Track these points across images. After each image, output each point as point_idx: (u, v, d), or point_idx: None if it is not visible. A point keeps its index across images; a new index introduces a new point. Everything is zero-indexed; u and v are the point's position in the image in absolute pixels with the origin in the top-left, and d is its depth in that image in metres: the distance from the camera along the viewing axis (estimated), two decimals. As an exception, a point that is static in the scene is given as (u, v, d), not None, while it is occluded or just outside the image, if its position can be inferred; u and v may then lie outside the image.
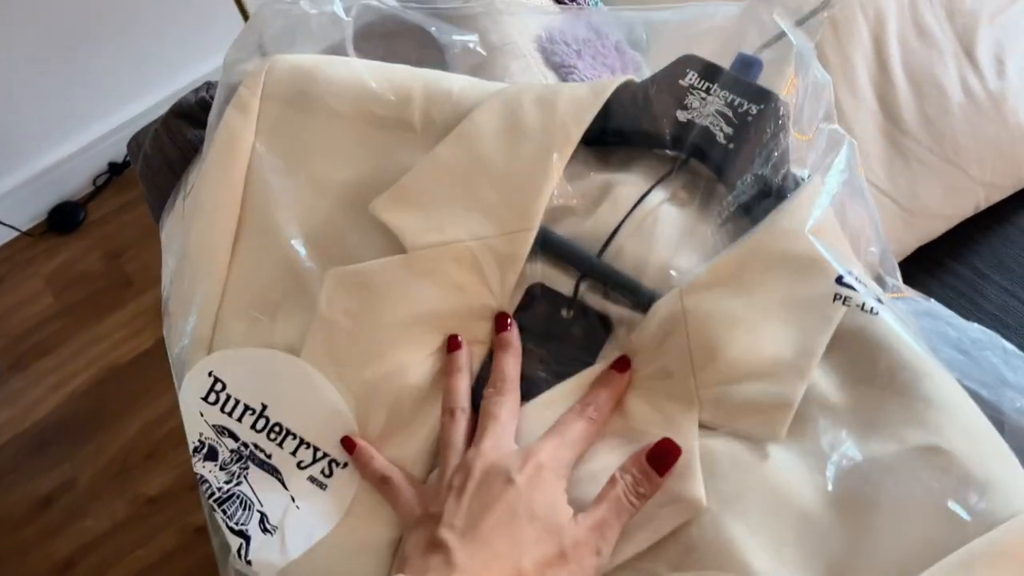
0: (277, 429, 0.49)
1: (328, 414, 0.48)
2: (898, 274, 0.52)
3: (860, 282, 0.44)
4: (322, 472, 0.48)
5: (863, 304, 0.43)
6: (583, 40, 0.67)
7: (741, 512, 0.41)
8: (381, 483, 0.47)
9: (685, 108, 0.51)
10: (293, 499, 0.48)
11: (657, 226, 0.48)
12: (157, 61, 1.64)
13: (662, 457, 0.42)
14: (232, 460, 0.49)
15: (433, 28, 0.56)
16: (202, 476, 0.49)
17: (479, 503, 0.42)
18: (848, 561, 0.38)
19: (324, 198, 0.53)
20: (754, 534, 0.40)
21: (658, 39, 0.60)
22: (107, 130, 1.68)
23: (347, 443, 0.48)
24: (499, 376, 0.47)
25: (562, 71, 0.66)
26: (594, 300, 0.49)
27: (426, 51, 0.58)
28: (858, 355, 0.43)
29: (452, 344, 0.48)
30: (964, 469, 0.38)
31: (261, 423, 0.49)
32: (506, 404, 0.46)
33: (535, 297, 0.49)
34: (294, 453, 0.48)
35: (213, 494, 0.48)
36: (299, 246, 0.52)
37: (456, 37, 0.57)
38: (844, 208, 0.50)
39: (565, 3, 0.73)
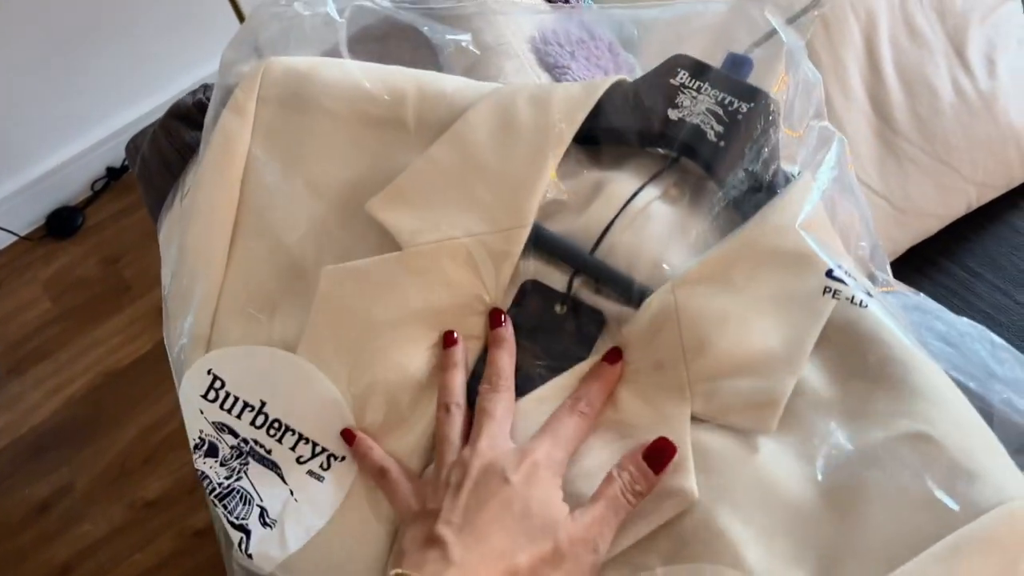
0: (276, 425, 0.49)
1: (326, 410, 0.49)
2: (888, 269, 0.53)
3: (850, 275, 0.45)
4: (320, 466, 0.49)
5: (853, 297, 0.44)
6: (576, 41, 0.68)
7: (733, 504, 0.41)
8: (379, 475, 0.47)
9: (676, 107, 0.51)
10: (292, 493, 0.48)
11: (649, 223, 0.49)
12: (155, 66, 1.63)
13: (658, 455, 0.43)
14: (232, 456, 0.49)
15: (426, 28, 0.57)
16: (203, 472, 0.49)
17: (476, 500, 0.42)
18: (838, 550, 0.39)
19: (320, 198, 0.53)
20: (746, 525, 0.40)
21: (648, 36, 0.61)
22: (105, 135, 1.67)
23: (346, 435, 0.48)
24: (494, 372, 0.47)
25: (556, 72, 0.67)
26: (587, 296, 0.49)
27: (420, 52, 0.58)
28: (848, 348, 0.44)
29: (448, 340, 0.49)
30: (952, 458, 0.39)
31: (260, 419, 0.49)
32: (501, 400, 0.46)
33: (529, 293, 0.50)
34: (293, 448, 0.49)
35: (214, 490, 0.49)
36: (295, 246, 0.52)
37: (450, 37, 0.58)
38: (834, 204, 0.50)
39: (556, 2, 0.73)
